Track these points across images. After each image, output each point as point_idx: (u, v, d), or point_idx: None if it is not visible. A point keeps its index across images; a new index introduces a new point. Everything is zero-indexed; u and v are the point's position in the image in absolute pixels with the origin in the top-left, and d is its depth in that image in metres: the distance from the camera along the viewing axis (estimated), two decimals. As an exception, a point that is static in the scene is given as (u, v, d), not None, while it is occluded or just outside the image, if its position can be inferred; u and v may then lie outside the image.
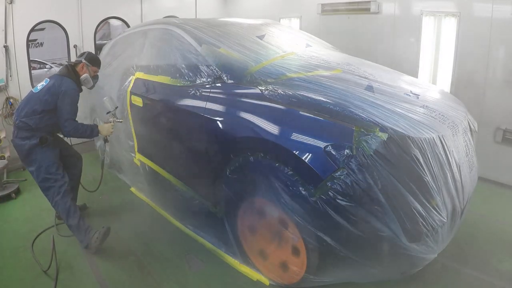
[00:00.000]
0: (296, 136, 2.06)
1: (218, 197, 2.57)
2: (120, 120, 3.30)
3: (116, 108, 3.35)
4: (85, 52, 3.20)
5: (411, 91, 2.54)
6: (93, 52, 5.27)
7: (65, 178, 2.92)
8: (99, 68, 3.21)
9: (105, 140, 3.33)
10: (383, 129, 1.95)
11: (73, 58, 5.11)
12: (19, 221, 3.35)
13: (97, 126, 3.12)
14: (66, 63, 3.13)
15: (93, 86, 3.19)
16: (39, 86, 2.95)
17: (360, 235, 1.92)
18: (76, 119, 2.97)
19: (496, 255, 2.71)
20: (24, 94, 4.57)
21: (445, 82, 4.16)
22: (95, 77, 3.17)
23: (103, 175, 3.49)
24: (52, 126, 2.94)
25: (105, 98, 3.44)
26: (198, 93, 2.66)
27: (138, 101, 3.27)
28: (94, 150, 4.77)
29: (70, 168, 3.15)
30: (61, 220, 3.13)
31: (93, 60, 3.13)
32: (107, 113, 3.32)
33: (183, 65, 2.85)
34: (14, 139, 2.91)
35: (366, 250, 1.98)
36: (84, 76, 3.06)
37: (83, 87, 3.13)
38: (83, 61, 3.06)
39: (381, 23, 4.63)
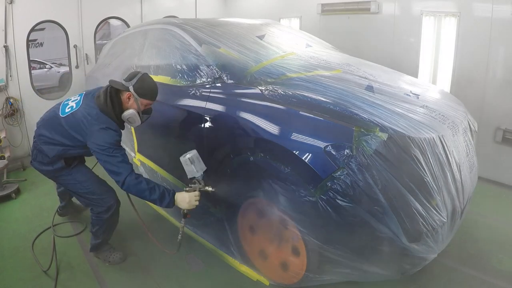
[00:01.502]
0: (296, 136, 2.06)
1: (218, 197, 2.57)
2: (213, 189, 2.33)
3: (204, 172, 2.35)
4: (136, 74, 2.30)
5: (411, 91, 2.54)
6: (94, 52, 5.30)
7: (114, 197, 2.48)
8: (153, 101, 2.38)
9: (184, 215, 2.34)
10: (383, 129, 1.95)
11: (73, 58, 5.13)
12: (19, 221, 3.35)
13: (175, 193, 2.24)
14: (108, 87, 2.30)
15: (143, 122, 2.43)
16: (68, 108, 2.30)
17: (360, 235, 1.92)
18: None
19: (496, 255, 2.70)
20: (24, 94, 4.61)
21: (445, 82, 4.16)
22: (146, 112, 2.40)
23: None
24: (80, 157, 2.50)
25: (187, 156, 2.28)
26: (198, 93, 2.67)
27: (138, 101, 3.26)
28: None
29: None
30: (62, 219, 3.11)
31: (145, 90, 2.28)
32: (191, 178, 2.33)
33: (183, 65, 2.85)
34: (34, 163, 2.45)
35: (366, 250, 1.98)
36: (130, 113, 2.26)
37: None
38: (131, 90, 2.25)
39: (381, 23, 4.63)
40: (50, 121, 2.36)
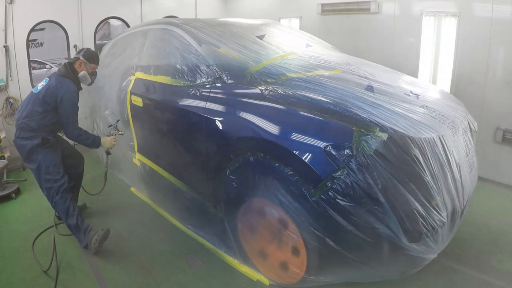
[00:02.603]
0: (296, 136, 2.06)
1: (218, 197, 2.57)
2: (122, 133, 3.36)
3: (118, 121, 3.40)
4: (83, 49, 3.14)
5: (411, 91, 2.54)
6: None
7: (65, 178, 2.92)
8: (97, 65, 3.15)
9: (107, 153, 3.35)
10: (383, 129, 1.95)
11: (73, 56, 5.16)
12: (19, 221, 3.35)
13: (100, 138, 3.14)
14: (65, 62, 3.10)
15: (92, 83, 3.16)
16: (39, 86, 2.95)
17: (360, 235, 1.92)
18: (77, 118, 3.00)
19: (496, 255, 2.70)
20: (24, 94, 4.60)
21: (445, 82, 4.16)
22: (93, 74, 3.13)
23: (105, 184, 3.50)
24: (53, 125, 2.96)
25: (106, 112, 3.44)
26: (198, 93, 2.66)
27: (138, 101, 3.27)
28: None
29: (71, 168, 3.16)
30: (61, 220, 3.13)
31: (91, 57, 3.07)
32: (109, 126, 3.36)
33: (183, 65, 2.85)
34: (16, 139, 2.93)
35: (366, 250, 1.98)
36: (82, 73, 3.02)
37: (82, 85, 3.13)
38: (81, 58, 3.02)
39: (381, 23, 4.63)
40: (28, 100, 2.95)
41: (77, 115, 2.99)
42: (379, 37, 4.66)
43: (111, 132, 3.28)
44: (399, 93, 2.45)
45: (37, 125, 2.85)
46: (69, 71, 2.98)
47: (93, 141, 3.09)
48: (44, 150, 2.88)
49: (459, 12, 3.87)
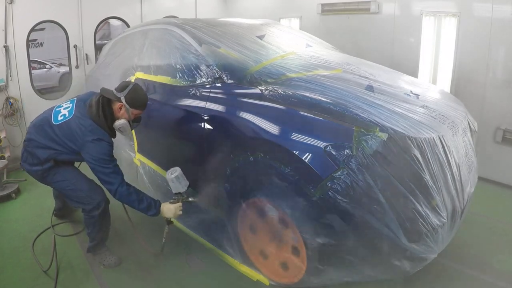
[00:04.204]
0: (296, 136, 2.06)
1: (219, 197, 2.57)
2: (193, 200, 2.60)
3: (189, 187, 2.57)
4: (127, 86, 2.37)
5: (411, 91, 2.54)
6: (94, 52, 5.30)
7: (101, 195, 2.50)
8: (143, 111, 2.47)
9: (168, 222, 2.59)
10: (383, 129, 1.95)
11: (73, 58, 5.12)
12: (19, 221, 3.35)
13: (160, 203, 2.44)
14: (100, 96, 2.36)
15: (132, 130, 2.55)
16: (60, 116, 2.35)
17: (360, 235, 1.92)
18: None
19: (496, 255, 2.70)
20: (24, 94, 4.61)
21: (445, 82, 4.16)
22: (136, 121, 2.51)
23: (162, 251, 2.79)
24: (71, 159, 2.49)
25: (174, 175, 2.47)
26: (198, 93, 2.66)
27: (138, 101, 3.26)
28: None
29: None
30: (60, 220, 3.12)
31: (136, 101, 2.37)
32: (175, 193, 2.55)
33: (183, 65, 2.85)
34: (24, 164, 2.49)
35: (366, 250, 1.98)
36: (121, 122, 2.34)
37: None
38: (123, 101, 2.32)
39: (381, 23, 4.63)
40: (42, 127, 2.39)
41: (116, 168, 2.32)
42: (379, 37, 4.66)
43: (176, 197, 2.54)
44: (399, 93, 2.45)
45: (49, 158, 2.38)
46: (101, 117, 2.27)
47: (148, 207, 2.36)
48: (59, 170, 2.45)
49: (459, 12, 3.87)
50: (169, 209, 2.44)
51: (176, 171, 2.48)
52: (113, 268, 2.66)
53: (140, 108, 2.42)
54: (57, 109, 2.43)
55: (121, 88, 2.37)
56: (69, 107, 2.40)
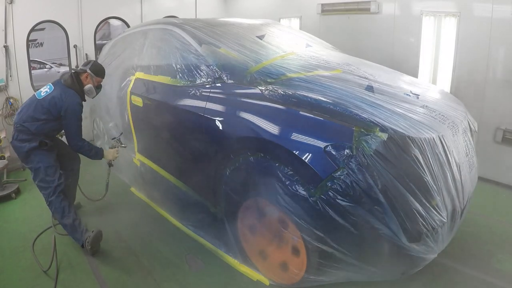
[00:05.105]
0: (296, 136, 2.06)
1: (218, 197, 2.57)
2: (125, 146, 3.42)
3: (121, 134, 3.48)
4: (90, 61, 3.18)
5: (411, 91, 2.54)
6: (94, 52, 5.31)
7: (61, 179, 2.94)
8: (103, 78, 3.19)
9: (110, 164, 3.41)
10: (383, 129, 1.95)
11: (73, 59, 5.15)
12: (19, 221, 3.35)
13: (103, 150, 3.20)
14: (71, 72, 3.08)
15: (96, 95, 3.19)
16: (43, 92, 2.94)
17: (360, 235, 1.92)
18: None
19: (496, 255, 2.71)
20: (24, 94, 4.60)
21: (445, 82, 4.16)
22: (98, 87, 3.17)
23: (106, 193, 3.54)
24: (53, 132, 2.99)
25: (110, 124, 3.57)
26: (198, 93, 2.67)
27: (138, 101, 3.27)
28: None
29: (67, 165, 3.17)
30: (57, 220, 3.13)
31: (98, 70, 3.11)
32: (112, 138, 3.45)
33: (183, 65, 2.85)
34: (14, 141, 2.93)
35: (366, 250, 1.98)
36: (88, 87, 3.04)
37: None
38: (88, 71, 3.03)
39: (381, 23, 4.63)
40: (30, 104, 2.93)
41: (81, 127, 3.02)
42: (379, 37, 4.66)
43: (114, 144, 3.36)
44: (399, 93, 2.45)
45: (37, 130, 2.86)
46: (75, 83, 2.99)
47: (96, 153, 3.13)
48: (41, 152, 2.90)
49: (459, 12, 3.87)
50: (109, 152, 3.26)
51: (112, 122, 3.62)
52: (98, 241, 2.81)
53: (101, 76, 3.13)
54: (39, 91, 3.01)
55: (85, 64, 3.14)
56: (48, 87, 3.00)
